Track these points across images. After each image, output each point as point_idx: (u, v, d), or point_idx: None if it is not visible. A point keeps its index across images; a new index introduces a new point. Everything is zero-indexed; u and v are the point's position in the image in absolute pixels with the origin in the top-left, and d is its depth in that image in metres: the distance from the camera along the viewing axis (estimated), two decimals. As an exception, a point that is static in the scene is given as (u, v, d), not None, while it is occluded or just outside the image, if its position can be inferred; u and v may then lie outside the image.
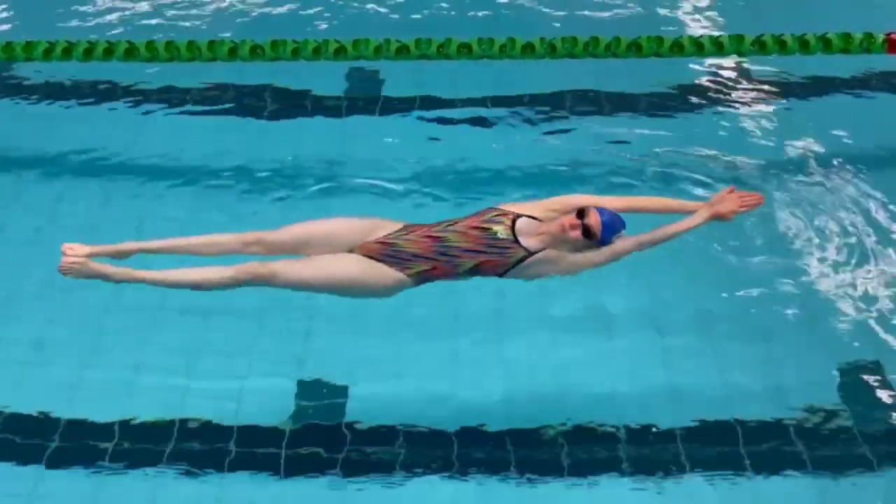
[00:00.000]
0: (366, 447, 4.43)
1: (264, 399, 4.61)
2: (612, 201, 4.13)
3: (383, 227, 4.06)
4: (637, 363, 4.79)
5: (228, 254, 4.04)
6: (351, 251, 3.98)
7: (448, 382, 4.71)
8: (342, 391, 4.66)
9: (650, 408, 4.60)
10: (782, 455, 4.43)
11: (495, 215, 4.06)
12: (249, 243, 4.03)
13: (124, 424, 4.47)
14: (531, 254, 3.97)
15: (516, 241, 3.97)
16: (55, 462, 4.34)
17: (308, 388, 4.67)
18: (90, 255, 3.94)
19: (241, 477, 4.32)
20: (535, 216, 4.08)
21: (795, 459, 4.41)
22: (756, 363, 4.81)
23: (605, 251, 4.00)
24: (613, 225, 3.99)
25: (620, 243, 4.00)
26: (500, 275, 4.02)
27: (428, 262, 3.96)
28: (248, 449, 4.42)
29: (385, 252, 3.95)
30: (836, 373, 4.75)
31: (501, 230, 3.99)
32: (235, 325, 4.90)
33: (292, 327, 4.91)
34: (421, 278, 3.99)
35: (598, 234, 3.94)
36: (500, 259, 3.96)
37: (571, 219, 3.95)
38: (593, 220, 3.93)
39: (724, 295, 5.14)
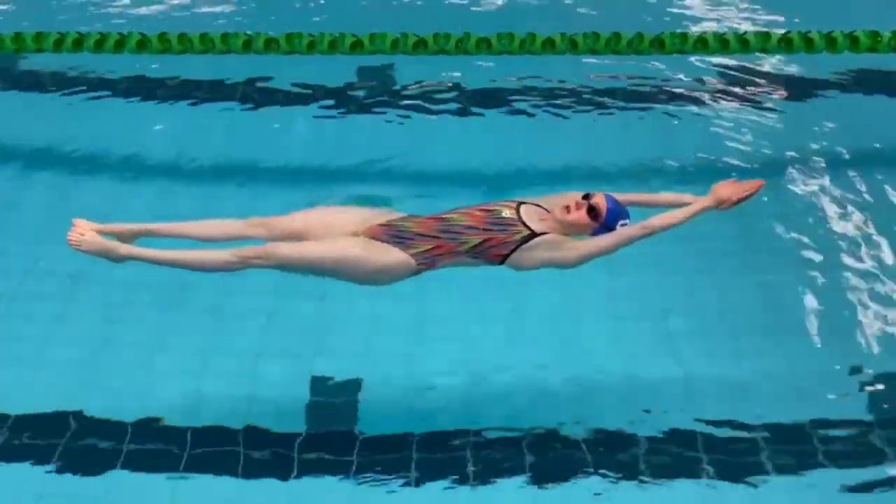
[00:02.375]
0: (378, 448, 4.42)
1: (276, 400, 4.61)
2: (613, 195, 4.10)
3: (386, 215, 4.08)
4: (652, 363, 4.79)
5: (233, 238, 4.04)
6: (354, 235, 3.98)
7: (463, 382, 4.69)
8: (355, 391, 4.65)
9: (664, 409, 4.61)
10: (802, 456, 4.43)
11: (502, 200, 4.08)
12: (254, 226, 4.05)
13: (137, 425, 4.47)
14: (535, 234, 3.95)
15: (520, 220, 3.96)
16: (66, 463, 4.33)
17: (320, 389, 4.66)
18: (104, 232, 3.96)
19: (256, 478, 4.32)
20: (540, 205, 4.09)
21: (814, 460, 4.41)
22: (771, 362, 4.81)
23: (610, 237, 3.96)
24: (619, 211, 3.97)
25: (623, 230, 3.97)
26: (504, 258, 3.97)
27: (431, 240, 3.94)
28: (259, 450, 4.41)
29: (388, 233, 3.95)
30: (853, 374, 4.75)
31: (506, 211, 3.99)
32: (246, 326, 4.91)
33: (304, 325, 4.90)
34: (425, 259, 3.95)
35: (603, 213, 3.93)
36: (504, 236, 3.93)
37: (578, 199, 3.96)
38: (599, 201, 3.94)
39: (739, 291, 5.14)
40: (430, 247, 3.94)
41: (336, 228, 3.98)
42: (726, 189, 4.02)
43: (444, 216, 4.03)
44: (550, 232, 3.97)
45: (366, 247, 3.91)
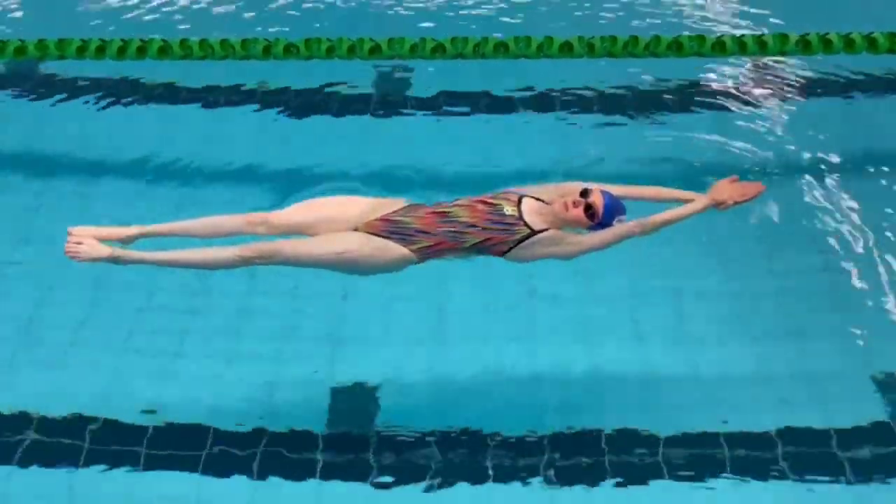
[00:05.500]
0: (398, 451, 4.45)
1: (297, 403, 4.64)
2: (613, 189, 4.12)
3: (387, 206, 4.09)
4: (671, 367, 4.80)
5: (233, 235, 4.07)
6: (355, 229, 4.00)
7: (481, 383, 4.71)
8: (374, 394, 4.68)
9: (685, 410, 4.61)
10: (821, 459, 4.43)
11: (503, 193, 4.10)
12: (254, 224, 4.05)
13: (158, 427, 4.51)
14: (535, 232, 3.99)
15: (521, 218, 4.00)
16: (88, 463, 4.38)
17: (340, 392, 4.69)
18: (105, 238, 3.99)
19: (275, 480, 4.35)
20: (540, 198, 4.11)
21: (834, 464, 4.40)
22: (789, 365, 4.80)
23: (606, 233, 4.02)
24: (615, 208, 4.01)
25: (621, 226, 4.02)
26: (503, 253, 4.04)
27: (432, 237, 3.99)
28: (281, 451, 4.45)
29: (389, 229, 3.98)
30: (869, 377, 4.74)
31: (508, 207, 4.02)
32: (266, 328, 4.94)
33: (323, 328, 4.93)
34: (426, 253, 4.01)
35: (599, 213, 3.97)
36: (504, 237, 3.99)
37: (575, 198, 3.99)
38: (596, 199, 3.97)
39: (758, 294, 5.13)
40: (430, 243, 3.99)
41: (337, 223, 4.01)
42: (725, 191, 4.05)
43: (445, 210, 4.04)
44: (549, 227, 4.02)
45: (367, 244, 3.95)
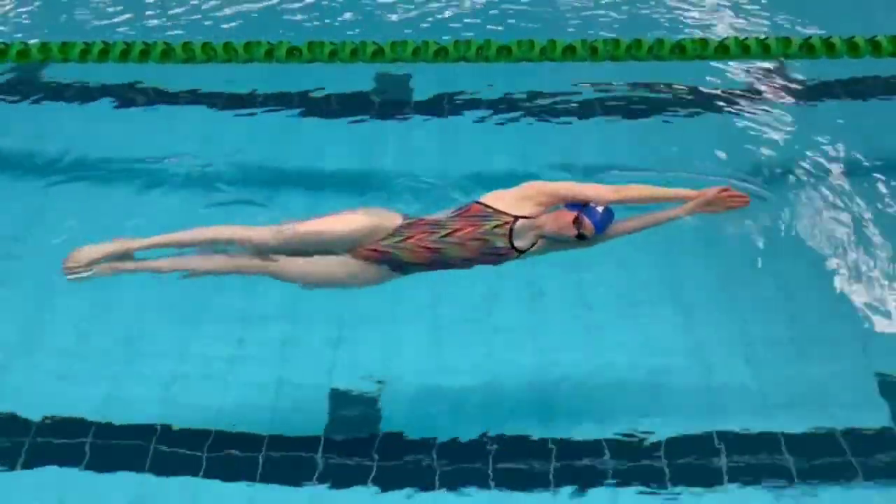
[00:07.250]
0: (399, 456, 4.45)
1: (298, 406, 4.65)
2: (604, 192, 4.10)
3: (381, 223, 4.08)
4: (675, 373, 4.79)
5: (229, 245, 4.11)
6: (349, 251, 4.07)
7: (483, 386, 4.71)
8: (375, 397, 4.68)
9: (688, 416, 4.61)
10: (830, 465, 4.42)
11: (494, 227, 4.05)
12: (250, 238, 4.08)
13: (161, 431, 4.51)
14: (523, 252, 4.10)
15: (513, 247, 4.07)
16: (91, 469, 4.38)
17: (341, 396, 4.69)
18: (102, 257, 4.07)
19: (276, 484, 4.35)
20: (528, 215, 4.08)
21: (845, 469, 4.40)
22: (791, 368, 4.80)
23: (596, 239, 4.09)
24: (606, 224, 4.05)
25: (609, 231, 4.08)
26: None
27: (424, 267, 4.13)
28: (283, 454, 4.45)
29: (382, 259, 4.08)
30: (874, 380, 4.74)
31: (499, 241, 4.06)
32: (268, 332, 4.94)
33: (324, 333, 4.94)
34: (415, 272, 4.17)
35: (590, 237, 4.03)
36: (494, 263, 4.15)
37: (570, 228, 4.00)
38: (588, 230, 4.00)
39: (760, 299, 5.13)
40: (422, 270, 4.14)
41: (331, 247, 4.06)
42: (716, 202, 4.08)
43: (437, 247, 4.05)
44: (538, 240, 4.10)
45: (361, 272, 4.08)
